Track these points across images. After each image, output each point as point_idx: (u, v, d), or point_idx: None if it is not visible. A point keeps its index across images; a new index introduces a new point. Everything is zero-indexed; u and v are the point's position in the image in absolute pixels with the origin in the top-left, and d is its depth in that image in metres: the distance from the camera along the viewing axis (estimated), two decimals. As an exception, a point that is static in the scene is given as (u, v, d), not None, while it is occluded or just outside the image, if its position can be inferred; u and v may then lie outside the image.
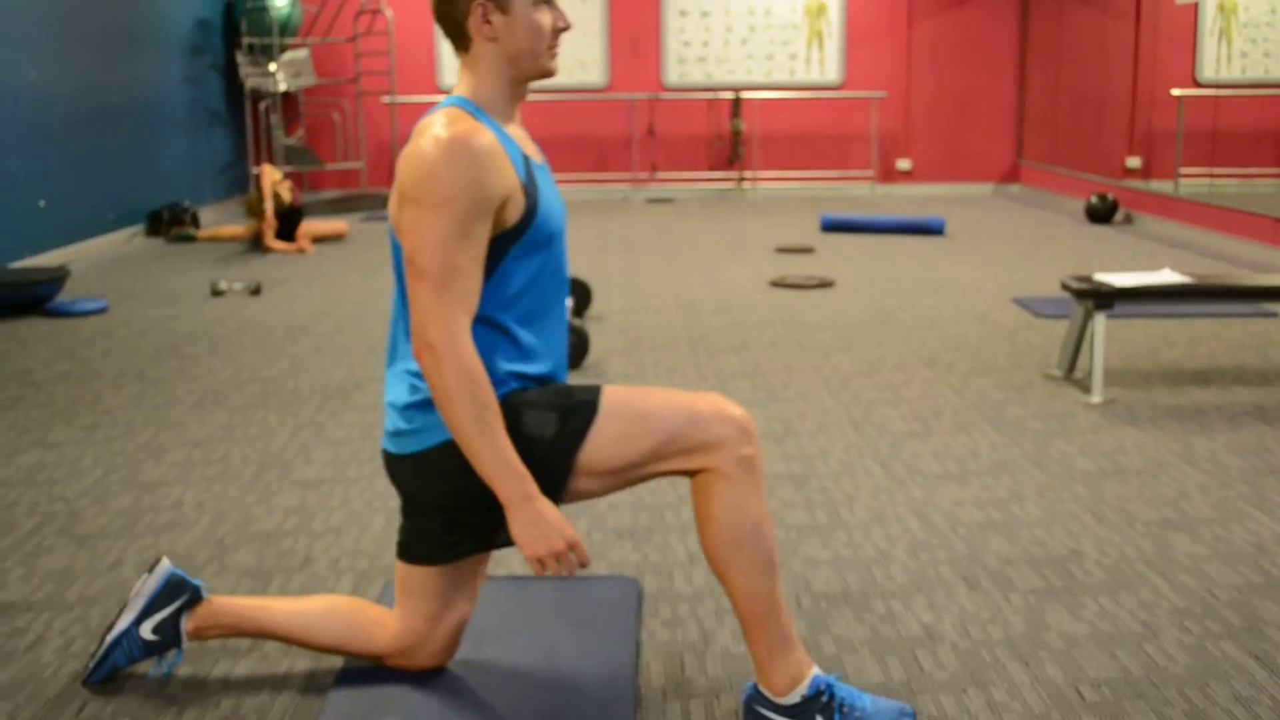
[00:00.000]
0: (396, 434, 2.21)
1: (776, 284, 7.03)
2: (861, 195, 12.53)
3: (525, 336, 2.17)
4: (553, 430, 2.12)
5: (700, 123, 12.60)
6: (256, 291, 6.90)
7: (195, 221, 9.72)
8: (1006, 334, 5.65)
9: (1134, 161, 10.65)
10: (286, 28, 11.44)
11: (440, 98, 12.29)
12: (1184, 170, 9.90)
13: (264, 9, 11.24)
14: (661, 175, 12.67)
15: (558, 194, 2.27)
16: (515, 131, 2.22)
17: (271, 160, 11.60)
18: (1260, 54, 10.01)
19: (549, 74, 2.20)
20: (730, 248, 8.68)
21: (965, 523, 3.29)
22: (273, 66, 11.22)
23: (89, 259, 8.44)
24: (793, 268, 7.67)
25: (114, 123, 9.22)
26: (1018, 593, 2.84)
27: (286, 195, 8.76)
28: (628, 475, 2.17)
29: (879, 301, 6.48)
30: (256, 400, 4.61)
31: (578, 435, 2.12)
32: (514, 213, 2.10)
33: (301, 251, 8.70)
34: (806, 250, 8.43)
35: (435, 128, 2.05)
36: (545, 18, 2.14)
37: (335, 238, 9.41)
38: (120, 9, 9.45)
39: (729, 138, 12.51)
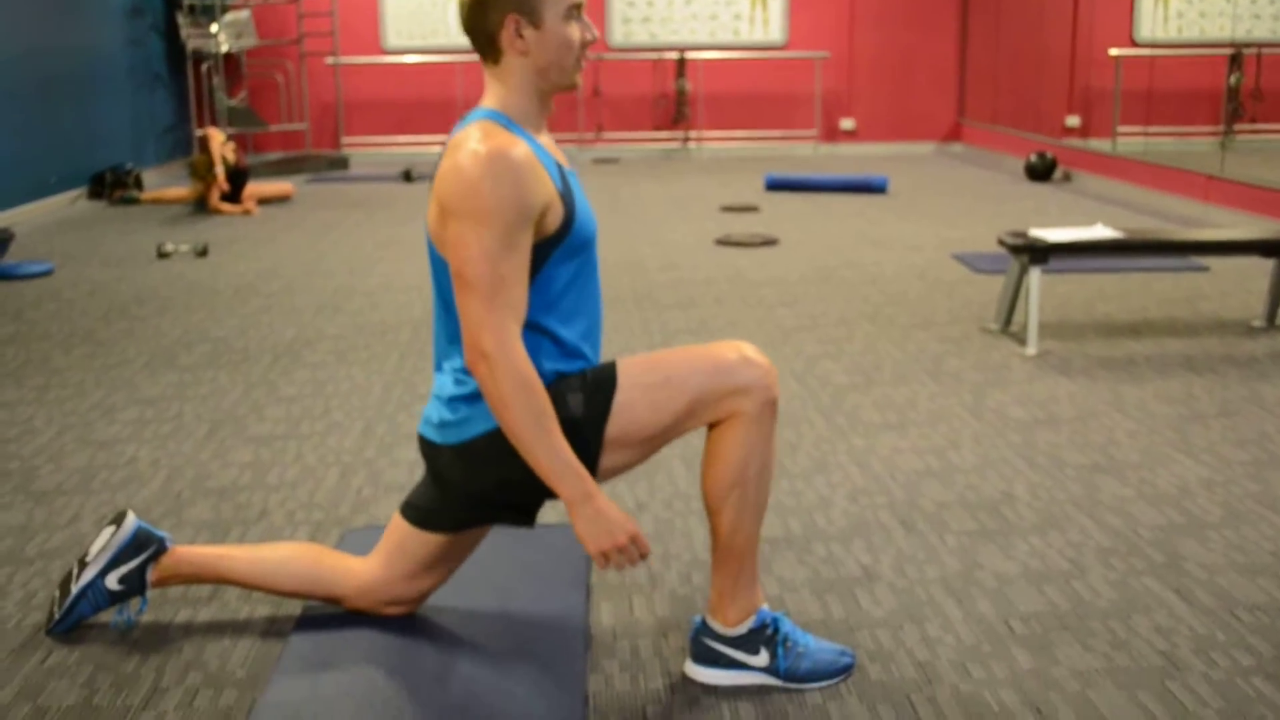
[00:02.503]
0: (441, 424, 2.26)
1: (722, 242, 7.11)
2: (805, 155, 12.62)
3: (567, 336, 2.23)
4: (579, 410, 2.17)
5: (645, 83, 12.64)
6: (203, 253, 6.90)
7: (138, 184, 9.66)
8: (946, 289, 5.78)
9: (1073, 120, 10.82)
10: (228, -13, 11.33)
11: (384, 59, 12.25)
12: (1121, 129, 10.07)
13: (204, -32, 11.12)
14: (607, 135, 12.70)
15: (587, 200, 2.31)
16: (546, 141, 2.25)
17: (215, 122, 11.50)
18: (1196, 14, 10.19)
19: (575, 87, 2.23)
20: (676, 207, 8.76)
21: (903, 470, 3.40)
22: (215, 28, 11.12)
23: (32, 221, 8.37)
24: (737, 226, 7.76)
25: (55, 85, 9.13)
26: (952, 534, 2.96)
27: (231, 156, 8.73)
28: (662, 438, 2.23)
29: (822, 259, 6.58)
30: (207, 360, 4.64)
31: (602, 411, 2.18)
32: (554, 220, 2.14)
33: (247, 213, 8.67)
34: (751, 209, 8.52)
35: (472, 142, 2.07)
36: (575, 31, 2.17)
37: (281, 199, 9.39)
38: (58, -32, 9.33)
39: (674, 97, 12.55)
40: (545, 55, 2.16)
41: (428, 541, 2.38)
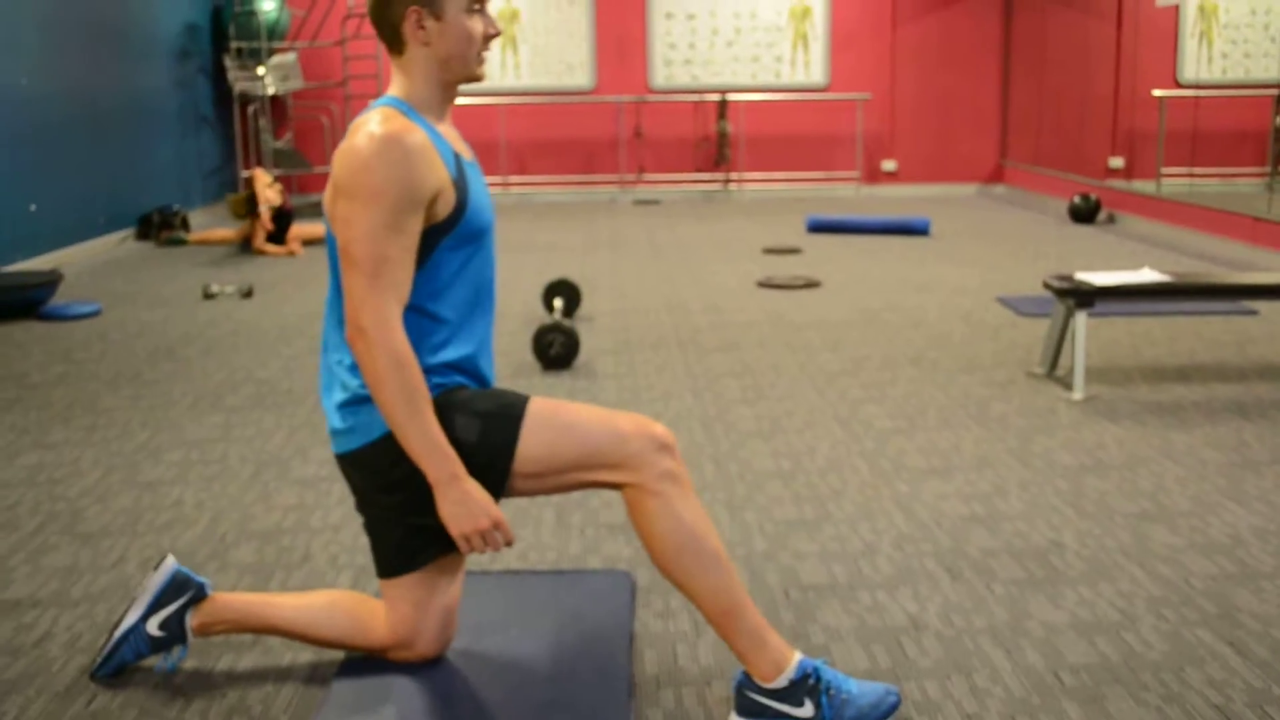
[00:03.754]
0: (335, 433, 2.32)
1: (764, 284, 7.11)
2: (847, 196, 12.62)
3: (451, 324, 2.27)
4: (476, 436, 2.21)
5: (687, 125, 12.68)
6: (248, 294, 6.96)
7: (185, 225, 9.77)
8: (990, 332, 5.74)
9: (1116, 162, 10.76)
10: (274, 31, 11.50)
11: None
12: (1165, 170, 10.01)
13: (252, 13, 11.29)
14: (648, 177, 12.75)
15: (488, 192, 2.38)
16: (446, 130, 2.31)
17: (260, 163, 11.64)
18: (1240, 55, 10.13)
19: (477, 79, 2.30)
20: (717, 248, 8.76)
21: (949, 516, 3.37)
22: (261, 70, 11.27)
23: (80, 262, 8.48)
24: (779, 268, 7.76)
25: (104, 127, 9.27)
26: (1000, 583, 2.92)
27: (276, 198, 8.82)
28: (553, 481, 2.26)
29: (865, 301, 6.56)
30: (252, 401, 4.67)
31: (508, 443, 2.22)
32: (445, 207, 2.20)
33: (291, 254, 8.75)
34: (793, 251, 8.52)
35: (370, 125, 2.15)
36: (477, 24, 2.24)
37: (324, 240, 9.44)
38: (110, 14, 9.50)
39: (715, 139, 12.59)
40: (447, 47, 2.23)
41: (402, 583, 2.40)
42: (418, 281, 2.22)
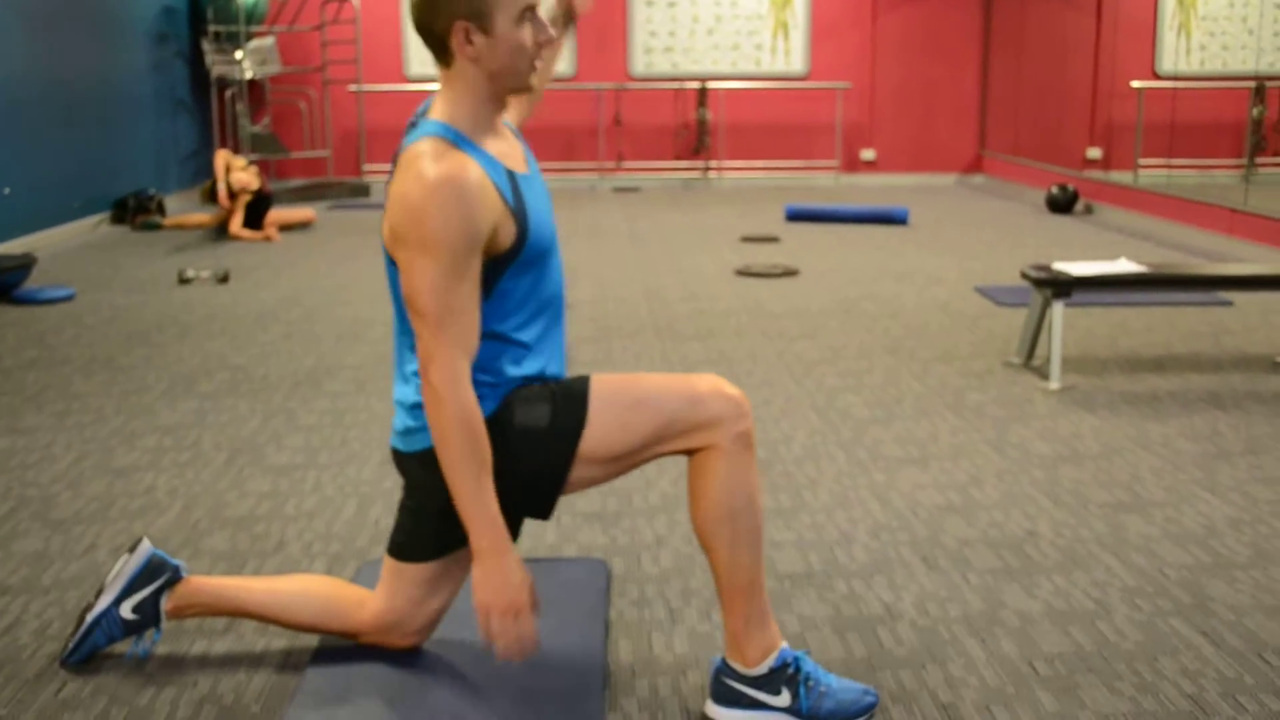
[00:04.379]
0: (405, 431, 2.26)
1: (742, 272, 7.10)
2: (826, 185, 12.62)
3: (528, 340, 2.22)
4: (546, 421, 2.17)
5: (666, 112, 12.66)
6: (224, 279, 6.91)
7: (161, 209, 9.70)
8: (968, 322, 5.75)
9: (1094, 152, 10.80)
10: (253, 15, 11.42)
11: (406, 86, 12.30)
12: (1143, 161, 10.05)
13: (230, -4, 11.21)
14: (628, 164, 12.73)
15: (547, 200, 2.28)
16: (498, 147, 2.20)
17: (238, 148, 11.58)
18: (1219, 47, 10.16)
19: (530, 90, 2.20)
20: (696, 236, 8.75)
21: (925, 505, 3.37)
22: (239, 54, 11.19)
23: (55, 246, 8.42)
24: (758, 256, 7.75)
25: (80, 110, 9.19)
26: (975, 572, 2.92)
27: (253, 181, 8.76)
28: (629, 460, 2.22)
29: (843, 290, 6.56)
30: (227, 387, 4.64)
31: (575, 425, 2.17)
32: (505, 238, 2.12)
33: (269, 239, 8.70)
34: (771, 239, 8.51)
35: (421, 166, 2.03)
36: (528, 34, 2.12)
37: (303, 225, 9.42)
38: (85, -4, 9.42)
39: (695, 127, 12.57)
40: (497, 61, 2.12)
41: (417, 569, 2.36)
42: (486, 311, 2.16)
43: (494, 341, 2.19)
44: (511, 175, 2.17)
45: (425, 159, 2.04)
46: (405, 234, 2.03)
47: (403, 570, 2.37)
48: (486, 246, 2.10)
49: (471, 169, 2.06)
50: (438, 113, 2.16)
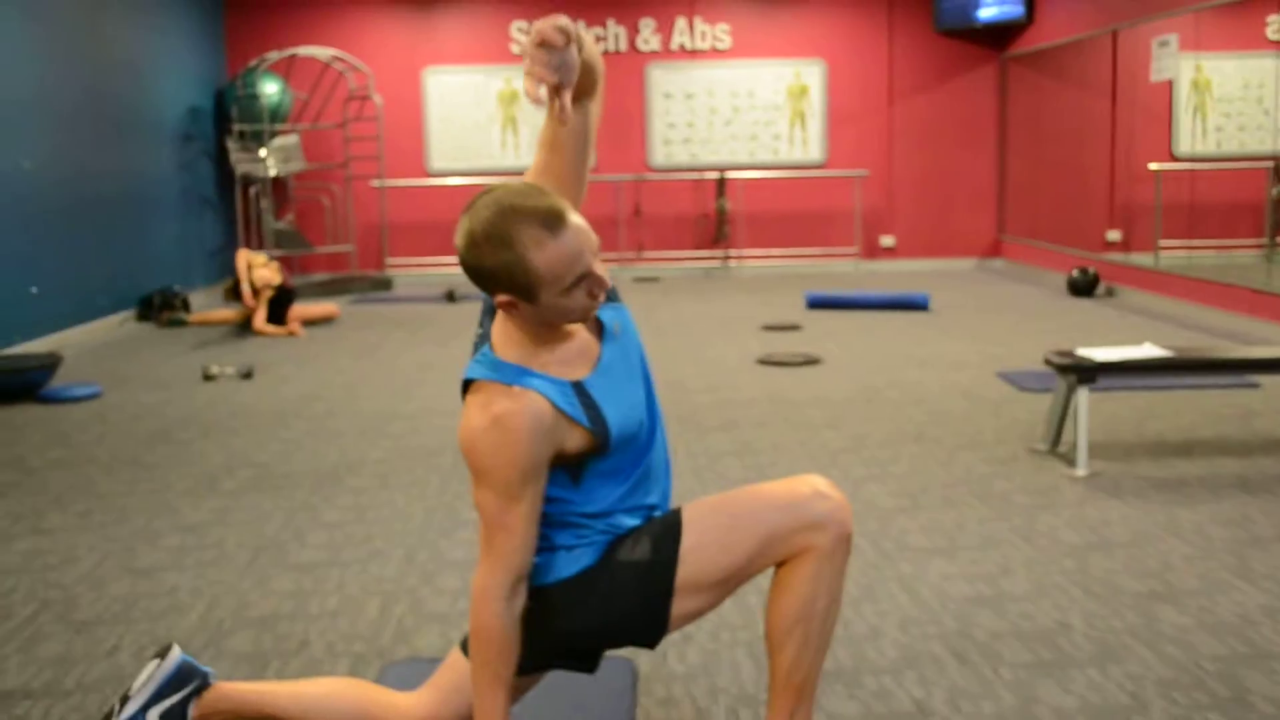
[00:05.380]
0: None
1: (764, 361, 7.10)
2: (846, 272, 12.66)
3: (642, 504, 2.23)
4: (647, 555, 2.15)
5: (686, 202, 12.76)
6: (248, 375, 6.95)
7: (186, 306, 9.79)
8: (992, 408, 5.72)
9: (1114, 235, 10.80)
10: (277, 114, 11.60)
11: (428, 181, 12.44)
12: (1163, 243, 10.04)
13: (255, 96, 11.40)
14: (648, 254, 12.80)
15: (630, 371, 2.21)
16: (563, 356, 2.13)
17: (262, 244, 11.70)
18: (1235, 128, 10.20)
19: (586, 321, 2.12)
20: (717, 325, 8.77)
21: (954, 597, 3.32)
22: (263, 152, 11.36)
23: (81, 344, 8.49)
24: (780, 345, 7.75)
25: (106, 209, 9.32)
26: (1007, 666, 2.87)
27: (275, 276, 8.84)
28: (737, 579, 2.17)
29: (866, 378, 6.55)
30: (249, 485, 4.64)
31: (671, 556, 2.14)
32: (583, 445, 2.11)
33: (292, 334, 8.76)
34: (793, 327, 8.52)
35: (470, 411, 2.06)
36: (579, 297, 2.04)
37: (326, 320, 9.48)
38: (113, 97, 9.58)
39: (714, 217, 12.65)
40: (545, 317, 2.07)
41: None
42: (578, 500, 2.17)
43: (607, 520, 2.19)
44: (579, 388, 2.11)
45: (474, 407, 2.06)
46: (464, 455, 2.08)
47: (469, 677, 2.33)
48: (562, 456, 2.10)
49: (527, 408, 2.04)
50: (496, 340, 2.13)
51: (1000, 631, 3.08)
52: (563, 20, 1.95)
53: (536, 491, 2.09)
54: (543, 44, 1.95)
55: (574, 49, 1.99)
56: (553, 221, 1.97)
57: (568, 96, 2.01)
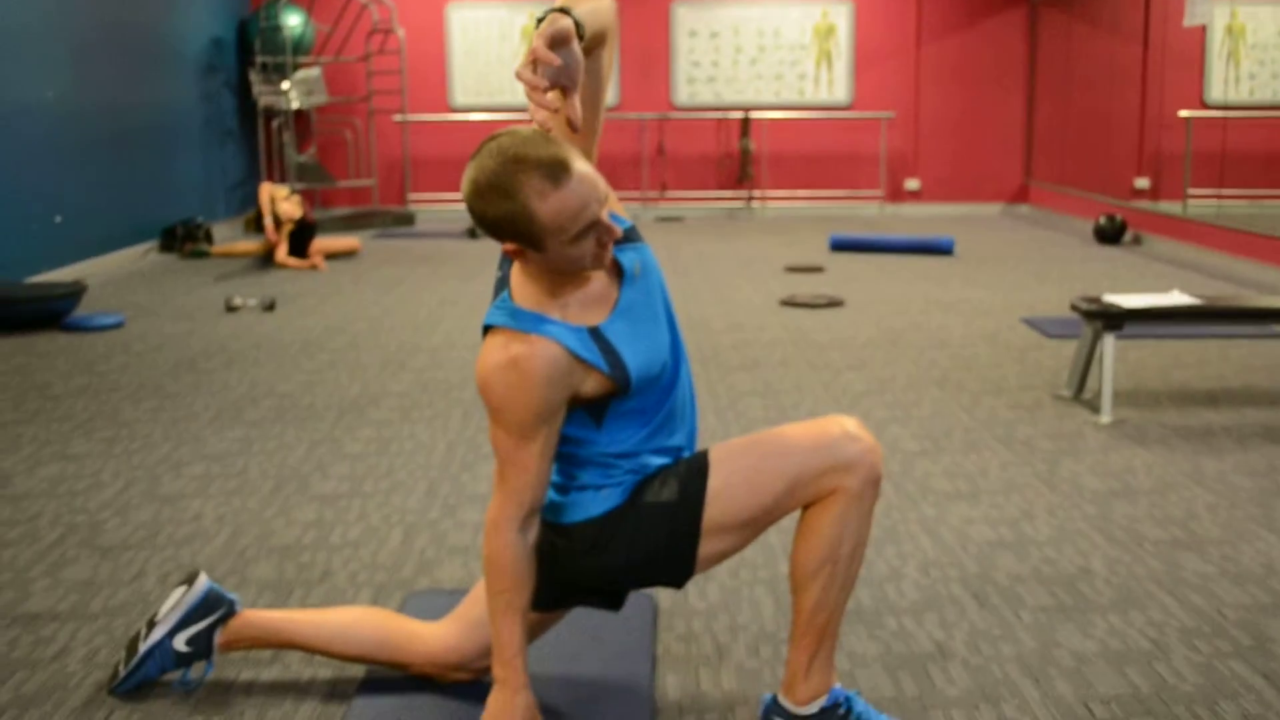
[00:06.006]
0: (549, 506, 2.25)
1: (786, 303, 7.07)
2: (870, 215, 12.58)
3: (668, 445, 2.22)
4: (674, 495, 2.15)
5: (710, 142, 12.68)
6: (271, 307, 6.96)
7: (209, 237, 9.80)
8: (1016, 354, 5.69)
9: (1142, 182, 10.69)
10: (299, 47, 11.54)
11: (451, 116, 12.37)
12: (1192, 191, 9.94)
13: (278, 28, 11.34)
14: (671, 194, 12.74)
15: (653, 312, 2.18)
16: (580, 299, 2.11)
17: (284, 178, 11.68)
18: (1268, 75, 10.06)
19: (600, 269, 2.09)
20: (740, 266, 8.73)
21: (976, 541, 3.32)
22: (286, 85, 11.30)
23: (104, 274, 8.50)
24: (802, 287, 7.72)
25: (129, 140, 9.30)
26: (1028, 610, 2.87)
27: (296, 210, 8.83)
28: (764, 520, 2.16)
29: (889, 321, 6.52)
30: (273, 415, 4.66)
31: (698, 497, 2.14)
32: (602, 388, 2.10)
33: (314, 268, 8.76)
34: (816, 269, 8.48)
35: (485, 353, 2.06)
36: (588, 246, 2.00)
37: (348, 254, 9.47)
38: (136, 28, 9.54)
39: (738, 157, 12.57)
40: (555, 265, 2.04)
41: None
42: (602, 440, 2.16)
43: (625, 459, 2.18)
44: (596, 333, 2.09)
45: (492, 349, 2.06)
46: (482, 398, 2.09)
47: None
48: (581, 398, 2.10)
49: (543, 353, 2.02)
50: (514, 286, 2.11)
51: (1021, 575, 3.08)
52: (555, 28, 1.89)
53: (551, 431, 2.09)
54: (539, 64, 1.89)
55: (574, 46, 1.94)
56: (557, 171, 1.93)
57: (575, 101, 1.99)
